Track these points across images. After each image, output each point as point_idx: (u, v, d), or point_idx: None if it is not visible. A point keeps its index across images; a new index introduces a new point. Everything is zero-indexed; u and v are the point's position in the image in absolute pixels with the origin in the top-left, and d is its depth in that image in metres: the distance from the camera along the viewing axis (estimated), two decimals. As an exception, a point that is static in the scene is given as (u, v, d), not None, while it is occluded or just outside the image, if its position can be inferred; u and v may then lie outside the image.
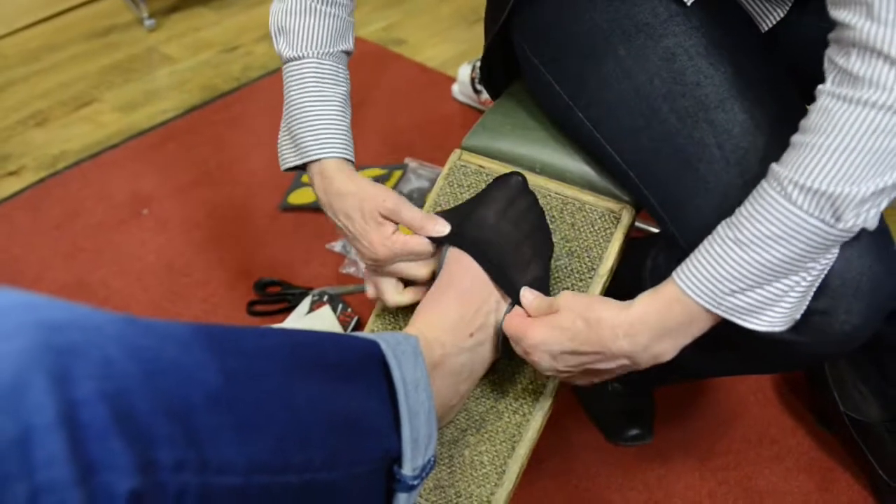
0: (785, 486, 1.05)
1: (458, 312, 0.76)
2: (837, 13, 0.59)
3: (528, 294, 0.76)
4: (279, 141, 0.88)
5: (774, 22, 0.82)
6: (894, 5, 0.55)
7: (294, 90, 0.85)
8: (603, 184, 0.86)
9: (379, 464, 0.61)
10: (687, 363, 0.90)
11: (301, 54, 0.84)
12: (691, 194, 0.73)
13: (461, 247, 0.79)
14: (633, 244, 0.87)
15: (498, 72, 0.99)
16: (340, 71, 0.87)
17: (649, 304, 0.68)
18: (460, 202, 0.90)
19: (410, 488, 0.62)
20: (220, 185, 1.59)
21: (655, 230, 1.28)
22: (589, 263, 0.84)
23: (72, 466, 0.39)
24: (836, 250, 0.64)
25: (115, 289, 1.37)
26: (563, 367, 0.72)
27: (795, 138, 0.62)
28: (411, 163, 1.56)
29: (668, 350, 0.68)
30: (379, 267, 0.84)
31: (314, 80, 0.84)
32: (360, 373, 0.62)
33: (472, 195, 0.89)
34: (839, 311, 0.65)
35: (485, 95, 1.66)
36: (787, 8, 0.81)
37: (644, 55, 0.76)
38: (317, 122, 0.83)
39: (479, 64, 1.70)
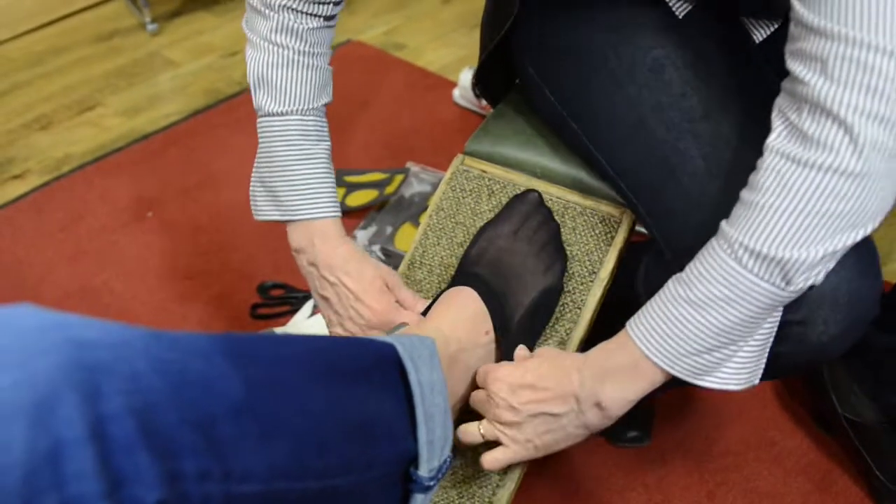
0: (784, 487, 1.06)
1: (473, 310, 0.77)
2: (793, 65, 0.59)
3: (518, 351, 0.78)
4: (252, 191, 0.88)
5: (768, 33, 0.83)
6: (848, 65, 0.55)
7: (278, 146, 0.84)
8: (603, 188, 0.87)
9: (395, 466, 0.61)
10: None
11: (286, 110, 0.83)
12: (675, 205, 0.73)
13: (476, 265, 0.82)
14: (630, 248, 0.88)
15: (495, 79, 1.00)
16: (323, 126, 0.87)
17: (603, 345, 0.70)
18: (463, 206, 0.91)
19: (427, 489, 0.63)
20: (224, 189, 1.60)
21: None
22: (590, 267, 0.85)
23: (101, 480, 0.41)
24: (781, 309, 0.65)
25: (119, 291, 1.38)
26: (517, 403, 0.71)
27: (745, 195, 0.62)
28: (413, 167, 1.57)
29: (612, 397, 0.68)
30: (362, 328, 0.84)
31: (300, 136, 0.84)
32: (376, 377, 0.62)
33: (475, 199, 0.91)
34: (817, 321, 0.66)
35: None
36: (781, 21, 0.82)
37: (633, 66, 0.77)
38: (304, 181, 0.84)
39: (480, 69, 1.72)
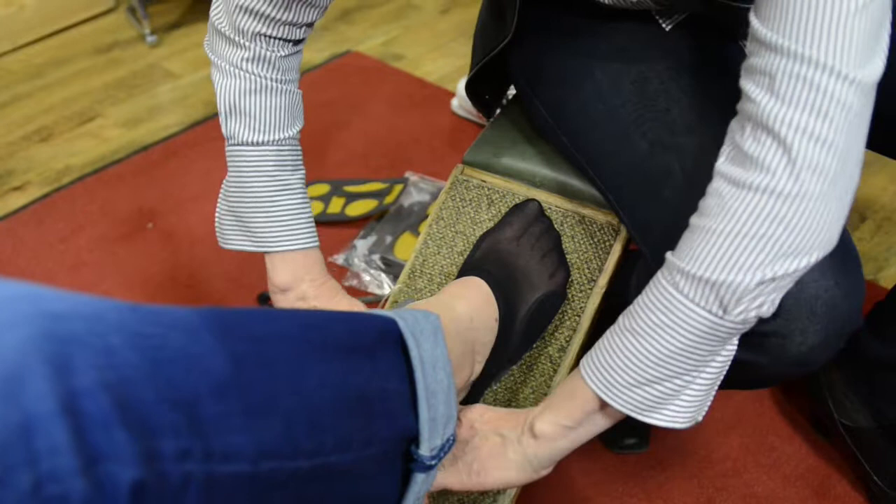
0: (783, 492, 1.06)
1: (486, 293, 0.77)
2: (745, 83, 0.58)
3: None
4: (218, 219, 0.85)
5: None
6: (794, 82, 0.53)
7: (253, 177, 0.81)
8: (601, 198, 0.88)
9: (394, 444, 0.59)
10: None
11: (262, 139, 0.81)
12: (657, 218, 0.73)
13: (479, 268, 0.81)
14: (632, 255, 0.89)
15: (487, 88, 1.01)
16: (297, 154, 0.85)
17: (551, 419, 0.68)
18: (463, 215, 0.92)
19: (428, 468, 0.61)
20: (223, 199, 1.61)
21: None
22: (589, 275, 0.86)
23: (75, 455, 0.39)
24: (733, 345, 0.62)
25: (120, 302, 1.39)
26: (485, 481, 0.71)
27: (691, 220, 0.61)
28: (412, 176, 1.58)
29: (547, 420, 0.67)
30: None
31: (275, 167, 0.82)
32: (374, 352, 0.60)
33: (475, 209, 0.92)
34: (794, 332, 0.65)
35: (484, 109, 1.68)
36: None
37: (618, 80, 0.78)
38: (283, 213, 0.82)
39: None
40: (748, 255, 0.56)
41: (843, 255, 0.65)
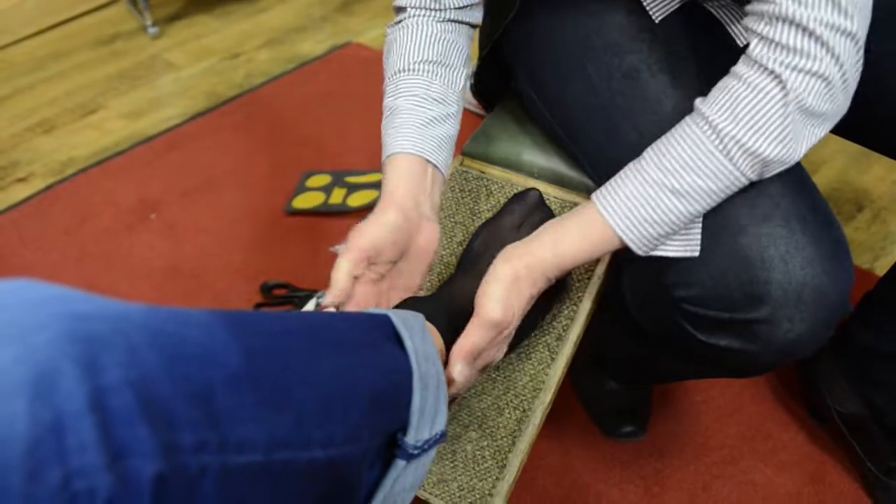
0: (779, 478, 1.08)
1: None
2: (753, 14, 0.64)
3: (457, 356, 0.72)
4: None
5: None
6: None
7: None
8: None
9: (391, 435, 0.61)
10: (658, 367, 0.94)
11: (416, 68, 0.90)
12: None
13: (480, 255, 0.82)
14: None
15: (491, 81, 1.02)
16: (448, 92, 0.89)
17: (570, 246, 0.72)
18: (462, 206, 0.93)
19: (410, 457, 0.63)
20: (226, 190, 1.62)
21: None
22: (586, 265, 0.87)
23: (101, 452, 0.41)
24: None
25: (124, 292, 1.40)
26: (502, 344, 0.73)
27: (726, 84, 0.65)
28: (412, 167, 1.59)
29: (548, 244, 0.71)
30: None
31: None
32: (379, 348, 0.62)
33: (474, 199, 0.93)
34: (782, 320, 0.66)
35: (484, 100, 1.69)
36: None
37: (609, 73, 0.78)
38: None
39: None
40: (798, 129, 0.63)
41: (832, 244, 0.67)
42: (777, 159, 0.63)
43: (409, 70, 0.85)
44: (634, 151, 0.74)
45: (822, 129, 0.64)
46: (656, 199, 0.66)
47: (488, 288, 0.70)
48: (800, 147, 0.63)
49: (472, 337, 0.69)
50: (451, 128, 0.85)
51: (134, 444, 0.42)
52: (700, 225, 0.68)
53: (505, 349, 0.75)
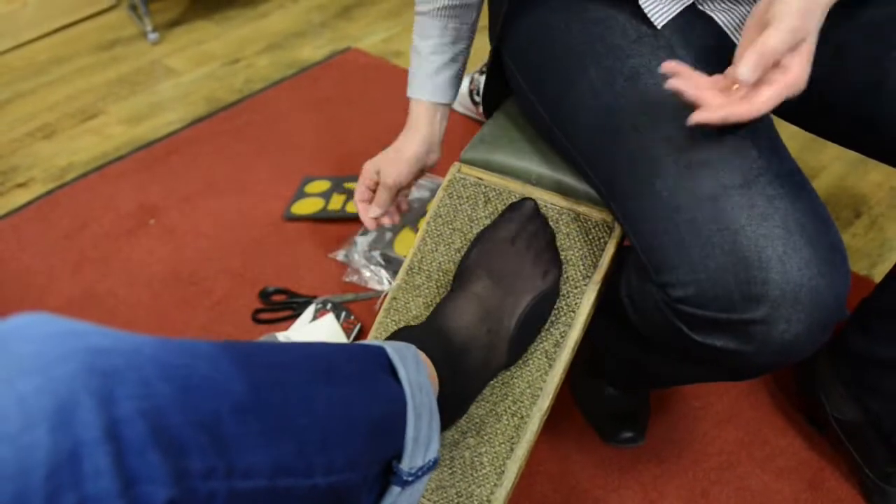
0: (776, 485, 1.08)
1: (474, 314, 0.81)
2: None
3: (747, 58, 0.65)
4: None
5: None
6: None
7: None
8: (596, 195, 0.90)
9: (387, 463, 0.64)
10: (655, 371, 0.94)
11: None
12: (648, 212, 0.74)
13: (474, 271, 0.83)
14: (627, 250, 0.90)
15: (490, 89, 1.03)
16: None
17: None
18: (460, 213, 0.94)
19: (405, 483, 0.65)
20: (225, 196, 1.62)
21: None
22: (584, 272, 0.87)
23: (115, 478, 0.43)
24: None
25: (123, 298, 1.41)
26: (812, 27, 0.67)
27: None
28: (411, 173, 1.59)
29: None
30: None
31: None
32: (375, 378, 0.65)
33: (472, 206, 0.93)
34: (779, 320, 0.66)
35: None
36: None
37: (612, 76, 0.79)
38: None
39: (476, 76, 1.74)
40: None
41: (829, 248, 0.67)
42: None
43: (429, 14, 1.02)
44: (635, 154, 0.74)
45: None
46: None
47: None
48: None
49: (770, 39, 0.63)
50: (459, 66, 1.06)
51: (146, 472, 0.45)
52: None
53: (798, 72, 0.65)
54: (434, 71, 1.03)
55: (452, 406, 0.80)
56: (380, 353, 0.68)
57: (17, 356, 0.44)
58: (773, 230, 0.66)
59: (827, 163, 1.64)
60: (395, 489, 0.65)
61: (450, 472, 0.85)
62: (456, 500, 0.83)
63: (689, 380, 0.96)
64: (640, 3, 0.79)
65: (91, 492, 0.42)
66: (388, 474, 0.65)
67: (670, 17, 0.80)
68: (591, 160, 0.83)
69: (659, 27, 0.79)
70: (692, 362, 0.81)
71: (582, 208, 0.90)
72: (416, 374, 0.68)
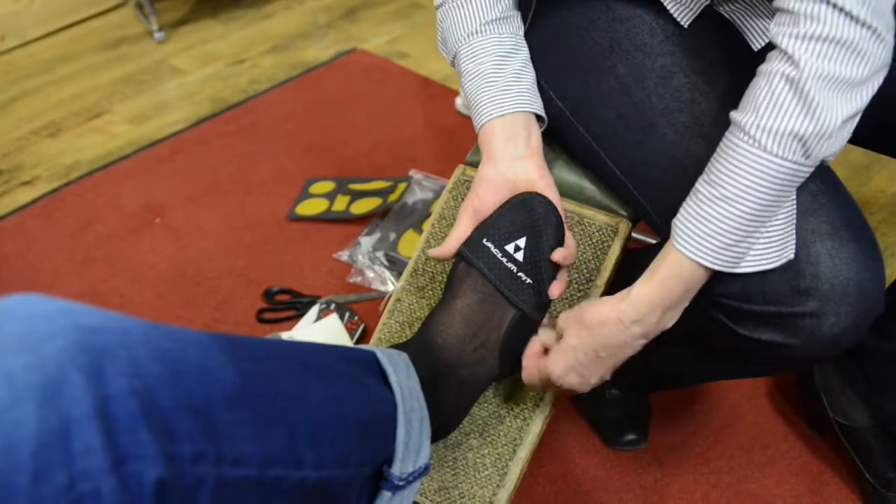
0: (777, 489, 1.08)
1: (462, 328, 0.79)
2: None
3: (539, 332, 0.80)
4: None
5: (765, 42, 0.85)
6: None
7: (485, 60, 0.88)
8: (601, 199, 0.90)
9: (377, 465, 0.64)
10: (688, 369, 0.94)
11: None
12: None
13: (471, 264, 0.82)
14: (631, 255, 0.90)
15: None
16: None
17: (649, 287, 0.70)
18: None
19: (396, 488, 0.66)
20: (230, 195, 1.63)
21: (653, 241, 1.32)
22: (587, 275, 0.88)
23: (106, 455, 0.43)
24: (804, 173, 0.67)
25: (128, 296, 1.41)
26: (596, 379, 0.75)
27: (750, 86, 0.65)
28: (416, 174, 1.60)
29: (673, 318, 0.71)
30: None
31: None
32: (366, 379, 0.66)
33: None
34: (829, 314, 0.68)
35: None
36: None
37: (642, 73, 0.79)
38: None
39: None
40: (826, 97, 0.61)
41: (870, 244, 0.69)
42: (811, 132, 0.61)
43: (479, 32, 0.87)
44: (670, 149, 0.75)
45: (860, 92, 0.62)
46: (709, 212, 0.66)
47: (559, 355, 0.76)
48: (833, 114, 0.61)
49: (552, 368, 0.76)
50: (529, 73, 0.87)
51: (137, 450, 0.44)
52: (781, 227, 0.67)
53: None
54: (508, 83, 0.88)
55: (442, 420, 0.79)
56: (371, 357, 0.69)
57: (5, 334, 0.44)
58: (820, 225, 0.68)
59: (830, 168, 1.64)
60: (386, 494, 0.66)
61: (453, 472, 0.85)
62: (459, 501, 0.84)
63: (717, 376, 0.96)
64: (664, 2, 0.80)
65: (81, 469, 0.42)
66: (379, 479, 0.66)
67: (694, 16, 0.80)
68: (617, 155, 0.83)
69: (686, 25, 0.80)
70: (725, 357, 0.81)
71: (586, 212, 0.90)
72: (407, 379, 0.69)
